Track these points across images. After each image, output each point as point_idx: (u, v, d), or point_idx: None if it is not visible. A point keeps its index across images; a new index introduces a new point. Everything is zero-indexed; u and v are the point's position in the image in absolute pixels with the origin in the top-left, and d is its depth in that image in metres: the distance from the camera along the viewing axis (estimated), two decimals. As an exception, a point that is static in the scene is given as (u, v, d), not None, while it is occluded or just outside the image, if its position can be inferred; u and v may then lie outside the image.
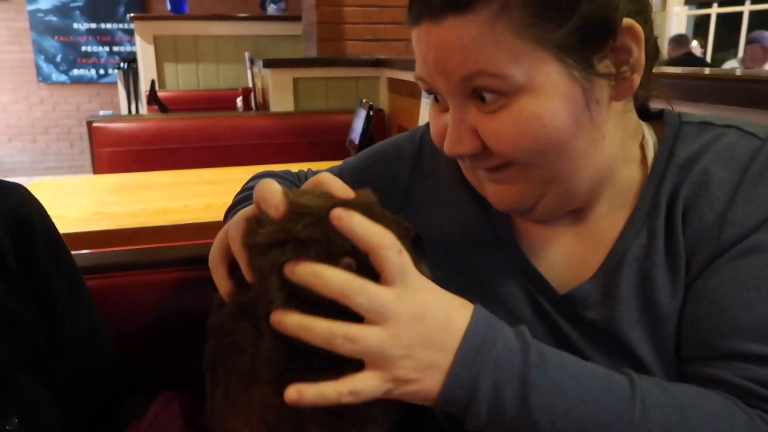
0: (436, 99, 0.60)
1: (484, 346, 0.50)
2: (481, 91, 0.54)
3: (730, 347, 0.54)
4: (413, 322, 0.49)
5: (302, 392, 0.47)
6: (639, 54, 0.55)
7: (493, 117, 0.55)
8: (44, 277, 0.70)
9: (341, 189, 0.55)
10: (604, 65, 0.54)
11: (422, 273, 0.52)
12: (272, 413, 0.52)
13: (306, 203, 0.51)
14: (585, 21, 0.52)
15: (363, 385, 0.48)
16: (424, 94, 2.13)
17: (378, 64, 3.09)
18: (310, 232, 0.49)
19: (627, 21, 0.54)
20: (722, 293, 0.55)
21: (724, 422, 0.50)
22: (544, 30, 0.51)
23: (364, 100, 2.36)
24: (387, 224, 0.50)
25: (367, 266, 0.49)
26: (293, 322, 0.48)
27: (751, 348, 0.53)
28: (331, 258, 0.49)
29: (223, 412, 0.55)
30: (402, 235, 0.51)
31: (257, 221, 0.52)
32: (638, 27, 0.54)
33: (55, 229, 0.74)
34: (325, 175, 0.57)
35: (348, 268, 0.49)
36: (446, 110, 0.59)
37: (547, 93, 0.53)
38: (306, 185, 0.58)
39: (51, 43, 6.54)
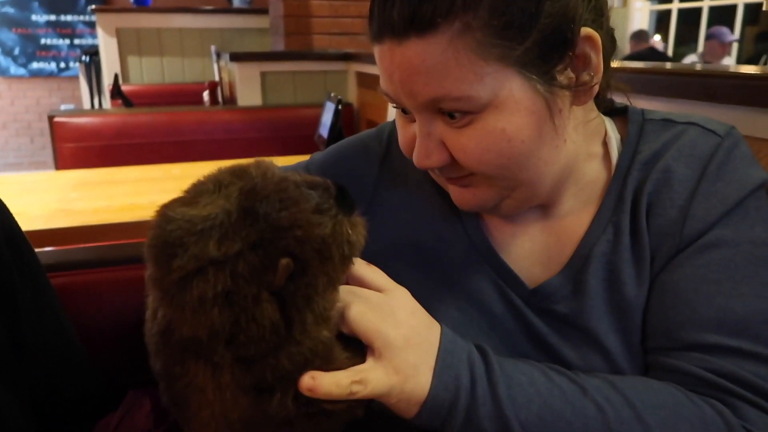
0: (403, 110, 0.61)
1: (456, 347, 0.54)
2: (448, 111, 0.55)
3: (691, 338, 0.57)
4: (405, 344, 0.52)
5: (317, 381, 0.48)
6: (598, 61, 0.56)
7: (461, 132, 0.56)
8: (6, 276, 0.69)
9: None
10: (565, 76, 0.56)
11: (356, 224, 0.51)
12: (261, 427, 0.50)
13: (206, 213, 0.45)
14: (545, 36, 0.53)
15: (371, 374, 0.50)
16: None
17: (346, 58, 3.08)
18: (227, 248, 0.44)
19: (585, 30, 0.55)
20: (684, 287, 0.58)
21: (670, 412, 0.53)
22: (505, 48, 0.52)
23: (332, 94, 2.36)
24: (303, 194, 0.47)
25: (304, 261, 0.46)
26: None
27: (709, 339, 0.56)
28: (266, 268, 0.45)
29: None
30: (325, 198, 0.49)
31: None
32: (596, 35, 0.55)
33: (18, 227, 0.72)
34: None
35: (287, 268, 0.45)
36: (414, 121, 0.59)
37: (512, 109, 0.54)
38: None
39: (8, 36, 6.33)
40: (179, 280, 0.44)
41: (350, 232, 0.49)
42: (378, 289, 0.56)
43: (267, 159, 0.51)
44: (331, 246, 0.48)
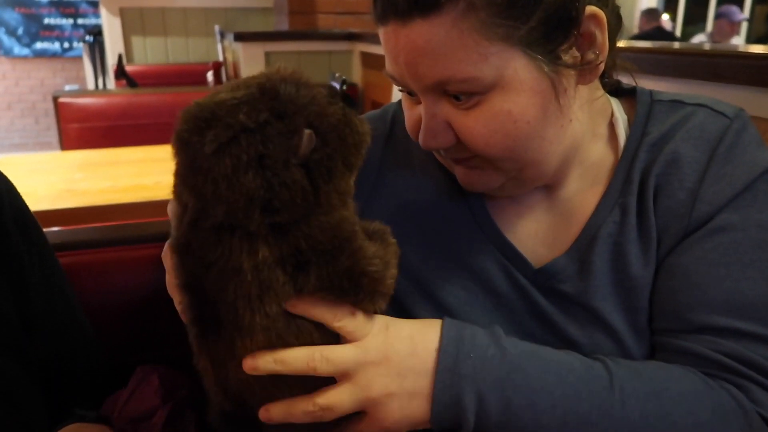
0: (409, 92, 0.61)
1: (458, 362, 0.53)
2: (453, 93, 0.55)
3: (701, 321, 0.57)
4: (377, 367, 0.52)
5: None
6: (603, 39, 0.56)
7: (467, 114, 0.56)
8: (15, 255, 0.69)
9: None
10: (570, 55, 0.55)
11: (363, 121, 0.53)
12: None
13: (231, 95, 0.48)
14: (549, 14, 0.52)
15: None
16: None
17: (351, 37, 3.06)
18: (256, 116, 0.47)
19: (590, 9, 0.54)
20: (693, 270, 0.58)
21: (693, 403, 0.54)
22: (509, 28, 0.52)
23: (337, 75, 2.35)
24: (315, 89, 0.51)
25: (323, 135, 0.49)
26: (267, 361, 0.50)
27: (720, 321, 0.57)
28: (292, 133, 0.47)
29: (228, 346, 0.51)
30: (332, 95, 0.51)
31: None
32: (601, 13, 0.55)
33: (26, 206, 0.73)
34: None
35: (311, 138, 0.48)
36: (419, 102, 0.59)
37: (517, 89, 0.54)
38: None
39: (12, 16, 6.30)
40: (214, 153, 0.46)
41: (358, 123, 0.52)
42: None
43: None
44: (344, 128, 0.51)
